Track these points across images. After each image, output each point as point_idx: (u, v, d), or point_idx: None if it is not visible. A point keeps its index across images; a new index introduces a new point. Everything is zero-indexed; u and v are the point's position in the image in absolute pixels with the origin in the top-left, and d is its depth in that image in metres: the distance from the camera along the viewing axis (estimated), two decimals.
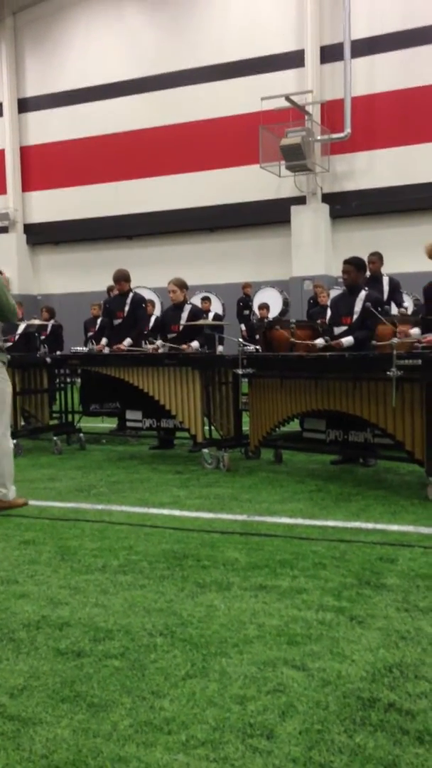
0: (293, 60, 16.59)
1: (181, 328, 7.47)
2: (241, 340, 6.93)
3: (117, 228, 18.73)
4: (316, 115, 16.23)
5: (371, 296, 6.34)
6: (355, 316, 6.24)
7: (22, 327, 9.03)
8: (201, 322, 7.53)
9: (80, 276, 19.00)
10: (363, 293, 6.29)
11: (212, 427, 7.02)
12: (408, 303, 12.70)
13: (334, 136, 16.03)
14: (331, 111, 16.16)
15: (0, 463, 5.01)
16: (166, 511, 4.90)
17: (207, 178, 17.59)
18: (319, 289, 11.87)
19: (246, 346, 6.73)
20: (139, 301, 8.31)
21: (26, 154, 20.18)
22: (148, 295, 13.12)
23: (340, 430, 6.21)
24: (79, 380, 8.69)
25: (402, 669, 2.53)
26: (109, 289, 10.60)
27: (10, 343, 8.29)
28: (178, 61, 17.70)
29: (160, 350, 7.40)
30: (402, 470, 6.14)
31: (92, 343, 8.24)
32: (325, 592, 3.26)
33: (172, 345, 7.31)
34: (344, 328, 6.28)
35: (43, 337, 10.96)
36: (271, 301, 14.79)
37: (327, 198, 16.61)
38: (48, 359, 8.01)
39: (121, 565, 3.74)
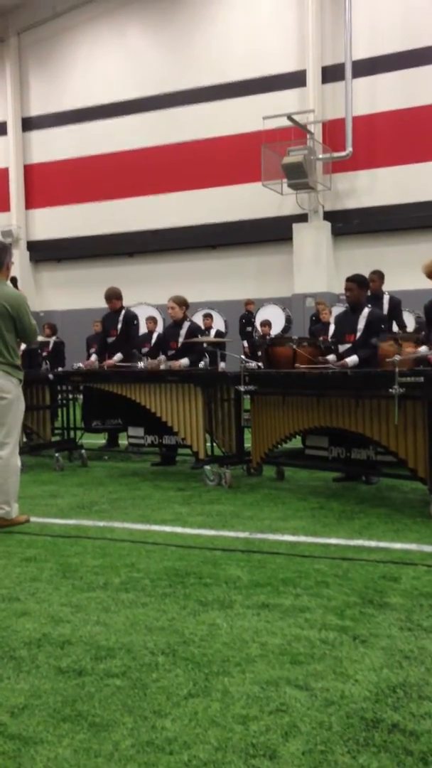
0: (295, 80, 16.74)
1: (179, 345, 7.51)
2: (243, 356, 6.93)
3: (119, 245, 18.83)
4: (318, 134, 16.36)
5: (374, 314, 6.36)
6: (358, 334, 6.26)
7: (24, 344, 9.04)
8: (202, 339, 7.56)
9: (82, 293, 19.06)
10: (366, 311, 6.31)
11: (214, 444, 7.01)
12: (410, 320, 12.73)
13: (336, 154, 16.15)
14: (333, 130, 16.29)
15: (7, 481, 5.00)
16: (168, 528, 4.89)
17: (209, 195, 17.70)
18: (322, 306, 11.91)
19: (248, 362, 6.74)
20: (132, 318, 8.44)
21: (30, 172, 20.33)
22: (150, 312, 13.16)
23: (342, 447, 6.21)
24: (81, 397, 8.70)
25: (406, 689, 2.51)
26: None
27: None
28: (180, 80, 17.88)
29: (162, 366, 7.45)
30: (405, 488, 6.12)
31: (106, 357, 8.29)
32: (328, 611, 3.24)
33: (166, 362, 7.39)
34: (348, 345, 6.29)
35: (45, 354, 11.00)
36: (274, 318, 14.82)
37: (329, 216, 16.70)
38: (50, 375, 8.02)
39: (122, 582, 3.72)
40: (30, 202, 20.38)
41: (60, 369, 9.82)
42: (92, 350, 11.38)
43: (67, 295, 19.55)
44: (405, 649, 2.83)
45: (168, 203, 18.13)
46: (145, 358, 8.54)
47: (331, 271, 16.54)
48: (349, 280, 6.39)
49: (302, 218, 16.81)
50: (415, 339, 7.63)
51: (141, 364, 7.66)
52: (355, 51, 15.85)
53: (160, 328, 13.43)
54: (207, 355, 10.55)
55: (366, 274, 7.19)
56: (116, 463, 7.98)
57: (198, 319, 14.25)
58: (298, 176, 15.43)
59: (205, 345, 8.01)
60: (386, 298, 8.64)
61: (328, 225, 16.62)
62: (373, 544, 4.39)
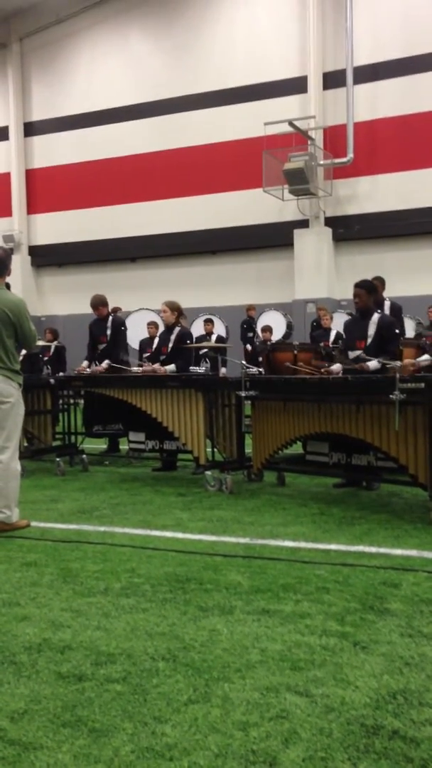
0: (296, 86, 16.79)
1: (169, 350, 7.56)
2: (244, 362, 6.94)
3: (120, 250, 18.86)
4: (319, 140, 16.38)
5: (385, 320, 6.33)
6: (369, 340, 6.23)
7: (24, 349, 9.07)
8: (202, 344, 7.57)
9: (84, 298, 18.87)
10: (376, 316, 6.28)
11: (215, 450, 7.01)
12: (410, 326, 12.73)
13: (337, 160, 16.18)
14: (334, 136, 16.33)
15: (7, 486, 5.01)
16: (168, 534, 4.88)
17: (210, 201, 17.73)
18: (323, 312, 11.90)
19: (249, 368, 6.74)
20: (119, 324, 8.59)
21: (31, 177, 20.38)
22: (150, 317, 13.17)
23: (343, 452, 6.20)
24: (82, 401, 8.70)
25: (406, 696, 2.50)
26: (115, 310, 10.66)
27: None
28: (182, 86, 17.92)
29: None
30: (405, 494, 6.11)
31: (96, 364, 8.33)
32: (328, 617, 3.24)
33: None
34: (359, 352, 6.26)
35: (46, 358, 11.00)
36: (275, 323, 14.82)
37: (330, 222, 16.72)
38: (51, 380, 8.02)
39: (123, 587, 3.72)
40: (32, 207, 20.42)
41: (61, 374, 9.82)
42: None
43: (69, 300, 19.56)
44: (405, 655, 2.83)
45: (169, 209, 18.16)
46: (147, 362, 8.56)
47: (332, 277, 16.56)
48: (357, 286, 6.34)
49: (303, 224, 16.83)
50: (416, 345, 7.64)
51: (135, 370, 7.69)
52: (357, 57, 15.90)
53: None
54: (207, 361, 10.57)
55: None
56: (117, 468, 7.98)
57: (199, 324, 14.25)
58: (299, 182, 15.46)
59: (206, 350, 8.03)
60: (387, 305, 8.64)
61: (329, 231, 16.64)
62: (373, 550, 4.39)
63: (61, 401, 8.31)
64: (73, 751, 2.20)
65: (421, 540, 4.60)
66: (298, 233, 16.77)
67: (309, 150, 15.84)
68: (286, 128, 15.49)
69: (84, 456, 7.88)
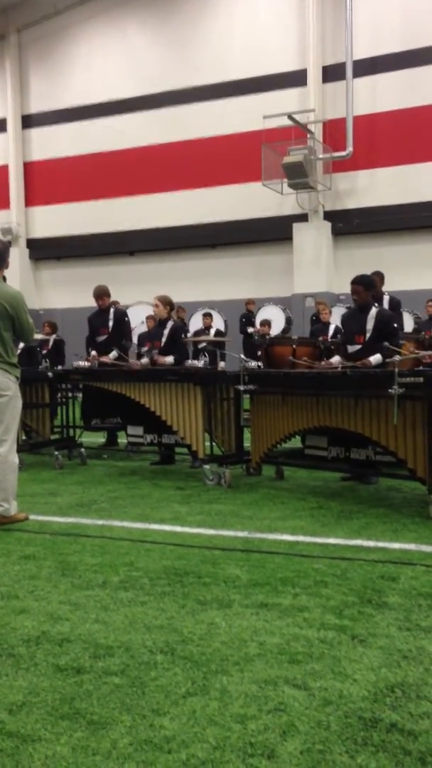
0: (296, 79, 16.72)
1: (162, 344, 7.57)
2: (242, 356, 6.93)
3: (119, 244, 18.81)
4: (318, 134, 16.34)
5: (383, 314, 6.30)
6: (368, 335, 6.20)
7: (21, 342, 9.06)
8: (202, 338, 7.58)
9: (82, 291, 18.91)
10: (374, 310, 6.25)
11: (213, 443, 7.01)
12: (408, 321, 12.74)
13: (336, 154, 16.13)
14: (333, 130, 16.28)
15: (5, 479, 5.01)
16: (167, 527, 4.89)
17: (209, 195, 17.67)
18: (322, 306, 11.89)
19: (248, 362, 6.74)
20: (122, 315, 8.69)
21: (29, 169, 20.30)
22: (149, 311, 13.16)
23: (341, 447, 6.20)
24: (80, 395, 8.70)
25: (404, 689, 2.51)
26: (113, 303, 10.64)
27: None
28: (180, 79, 17.84)
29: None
30: (404, 488, 6.12)
31: None
32: (326, 611, 3.25)
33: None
34: (358, 346, 6.23)
35: (44, 352, 10.98)
36: (274, 318, 14.82)
37: (329, 216, 16.68)
38: (50, 374, 8.02)
39: (121, 581, 3.72)
40: (30, 200, 20.35)
41: (60, 367, 9.81)
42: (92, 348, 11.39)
43: (67, 293, 19.52)
44: (403, 648, 2.84)
45: (168, 202, 18.10)
46: (146, 355, 8.55)
47: (331, 271, 16.53)
48: (354, 282, 6.26)
49: (302, 218, 16.79)
50: (415, 339, 7.64)
51: (136, 363, 7.74)
52: (356, 51, 15.83)
53: None
54: (206, 354, 10.57)
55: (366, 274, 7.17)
56: (115, 462, 7.99)
57: (198, 318, 14.24)
58: (298, 176, 15.42)
59: (204, 344, 8.04)
60: (386, 299, 8.63)
61: (328, 225, 16.60)
62: (371, 543, 4.39)
63: (59, 395, 8.30)
64: (71, 743, 2.20)
65: (419, 534, 4.61)
66: (297, 227, 16.73)
67: (308, 144, 15.80)
68: (285, 122, 15.45)
69: (82, 449, 7.88)
